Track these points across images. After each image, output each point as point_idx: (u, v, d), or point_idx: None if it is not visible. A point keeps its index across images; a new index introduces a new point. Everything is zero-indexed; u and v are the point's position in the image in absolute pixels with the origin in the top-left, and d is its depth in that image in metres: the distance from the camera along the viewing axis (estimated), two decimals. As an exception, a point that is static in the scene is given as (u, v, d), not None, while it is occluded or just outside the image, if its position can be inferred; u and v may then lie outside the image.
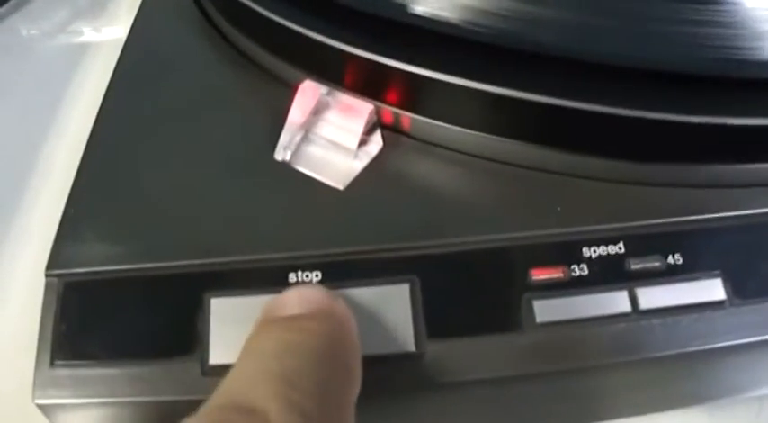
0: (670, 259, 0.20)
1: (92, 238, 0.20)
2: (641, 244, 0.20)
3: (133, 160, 0.22)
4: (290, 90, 0.22)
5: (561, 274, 0.19)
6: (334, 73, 0.22)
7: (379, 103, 0.22)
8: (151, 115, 0.23)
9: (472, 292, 0.19)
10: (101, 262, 0.20)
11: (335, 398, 0.16)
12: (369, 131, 0.21)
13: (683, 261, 0.20)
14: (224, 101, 0.23)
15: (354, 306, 0.19)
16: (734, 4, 0.22)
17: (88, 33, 0.37)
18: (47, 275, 0.20)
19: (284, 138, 0.21)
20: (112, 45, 0.28)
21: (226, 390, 0.15)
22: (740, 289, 0.20)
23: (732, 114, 0.20)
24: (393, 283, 0.19)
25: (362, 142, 0.21)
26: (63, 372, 0.19)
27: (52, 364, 0.19)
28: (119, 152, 0.22)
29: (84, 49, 0.35)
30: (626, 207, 0.21)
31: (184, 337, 0.19)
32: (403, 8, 0.21)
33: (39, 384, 0.19)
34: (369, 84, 0.21)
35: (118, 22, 0.37)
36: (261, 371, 0.15)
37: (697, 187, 0.21)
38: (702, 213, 0.21)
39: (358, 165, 0.21)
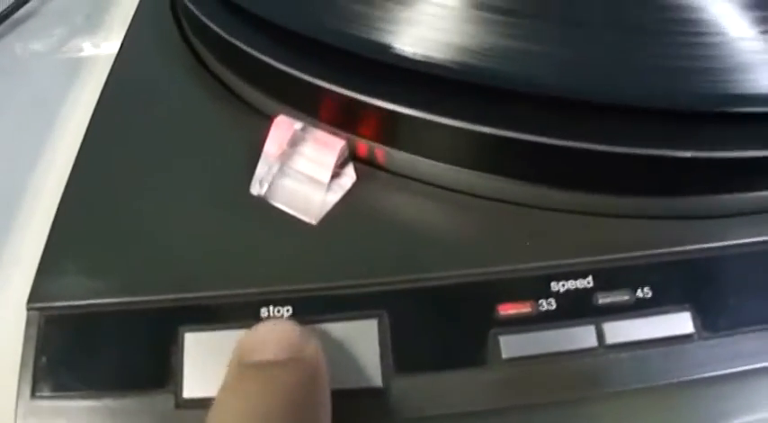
0: (639, 293, 0.20)
1: (72, 272, 0.21)
2: (610, 278, 0.21)
3: (113, 193, 0.23)
4: (269, 121, 0.23)
5: (529, 309, 0.20)
6: (310, 106, 0.22)
7: (353, 137, 0.22)
8: (132, 148, 0.24)
9: (440, 327, 0.20)
10: (80, 296, 0.21)
11: None
12: (342, 165, 0.22)
13: (653, 295, 0.21)
14: (204, 132, 0.24)
15: (324, 341, 0.19)
16: (711, 34, 0.22)
17: (86, 50, 0.38)
18: (28, 308, 0.21)
19: (259, 172, 0.22)
20: (109, 61, 0.29)
21: None
22: (709, 322, 0.20)
23: (700, 148, 0.20)
24: (362, 318, 0.20)
25: (336, 175, 0.22)
26: (43, 403, 0.20)
27: (33, 395, 0.20)
28: (100, 185, 0.23)
29: (80, 66, 0.36)
30: (596, 240, 0.21)
31: (159, 370, 0.20)
32: (377, 46, 0.21)
33: (20, 415, 0.20)
34: (343, 118, 0.22)
35: (114, 38, 0.38)
36: (240, 414, 0.16)
37: (667, 219, 0.22)
38: (672, 246, 0.21)
39: (331, 198, 0.21)
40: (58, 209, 0.22)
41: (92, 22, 0.39)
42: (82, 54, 0.37)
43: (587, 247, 0.21)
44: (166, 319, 0.20)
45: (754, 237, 0.21)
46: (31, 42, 0.38)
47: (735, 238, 0.21)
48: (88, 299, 0.20)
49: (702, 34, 0.22)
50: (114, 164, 0.23)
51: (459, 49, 0.21)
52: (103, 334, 0.20)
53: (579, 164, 0.21)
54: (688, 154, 0.20)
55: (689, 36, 0.22)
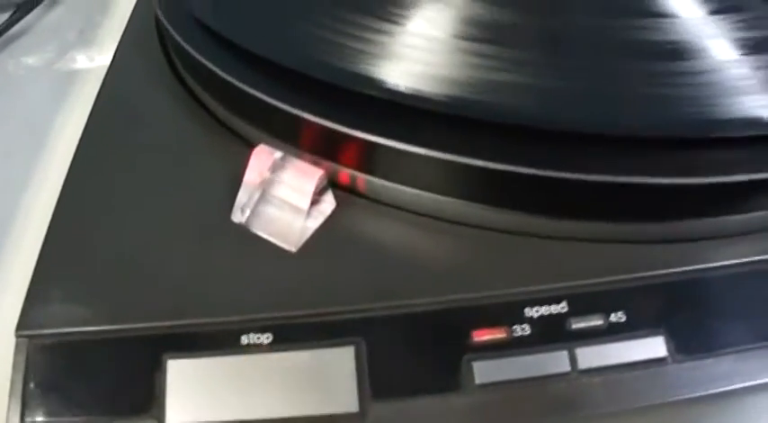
0: (612, 317, 0.21)
1: (59, 299, 0.22)
2: (584, 303, 0.21)
3: (100, 221, 0.24)
4: (252, 149, 0.23)
5: (503, 335, 0.21)
6: (290, 135, 0.23)
7: (333, 165, 0.23)
8: (119, 175, 0.25)
9: (416, 353, 0.21)
10: (67, 323, 0.21)
11: None
12: (321, 192, 0.23)
13: (626, 319, 0.21)
14: (189, 159, 0.25)
15: (302, 367, 0.20)
16: (694, 59, 0.23)
17: (80, 65, 0.39)
18: (17, 335, 0.21)
19: (240, 200, 0.23)
20: (101, 78, 0.29)
21: None
22: (683, 345, 0.21)
23: (674, 175, 0.21)
24: (339, 345, 0.21)
25: (315, 202, 0.22)
26: (32, 428, 0.21)
27: (22, 420, 0.21)
28: (86, 212, 0.24)
29: (73, 83, 0.37)
30: (571, 265, 0.22)
31: (144, 396, 0.20)
32: (356, 77, 0.22)
33: (11, 439, 0.21)
34: (323, 147, 0.23)
35: (107, 53, 0.39)
36: None
37: (641, 244, 0.22)
38: (646, 270, 0.22)
39: (311, 226, 0.22)
40: (46, 236, 0.23)
41: (85, 38, 0.40)
42: (76, 70, 0.38)
43: (562, 273, 0.22)
44: (150, 347, 0.21)
45: (727, 259, 0.22)
46: (24, 59, 0.38)
47: (708, 262, 0.22)
48: (75, 326, 0.21)
49: (685, 60, 0.23)
50: (100, 191, 0.24)
51: (437, 81, 0.22)
52: (90, 361, 0.21)
53: (555, 192, 0.21)
54: (663, 181, 0.21)
55: (671, 63, 0.23)
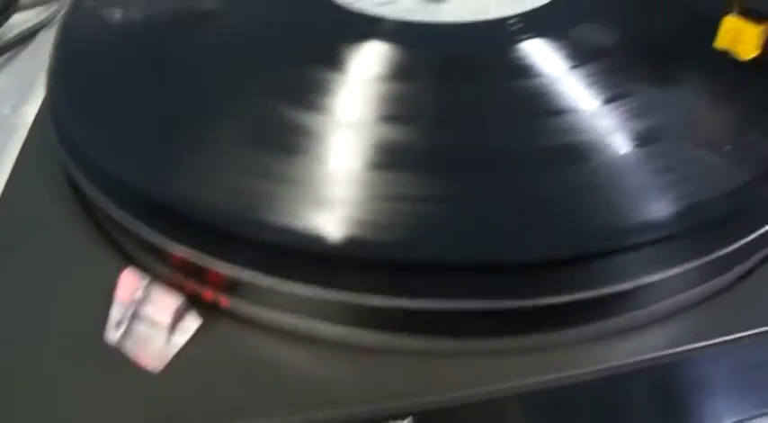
0: (459, 434, 0.23)
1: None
2: (431, 419, 0.23)
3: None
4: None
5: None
6: (157, 256, 0.25)
7: (198, 285, 0.25)
8: (10, 288, 0.27)
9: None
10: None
11: None
12: (185, 311, 0.25)
13: (475, 435, 0.23)
14: (76, 272, 0.27)
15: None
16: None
17: (15, 139, 0.41)
18: None
19: (111, 321, 0.25)
20: None
21: None
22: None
23: (516, 297, 0.22)
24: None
25: (179, 321, 0.24)
26: None
27: None
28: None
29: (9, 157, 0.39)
30: (417, 381, 0.23)
31: None
32: (216, 211, 0.24)
33: None
34: (184, 270, 0.25)
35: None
36: None
37: (491, 357, 0.24)
38: (496, 383, 0.23)
39: (176, 343, 0.24)
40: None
41: (19, 113, 0.42)
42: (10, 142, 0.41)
43: (409, 388, 0.23)
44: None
45: (583, 367, 0.23)
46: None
47: (560, 371, 0.23)
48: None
49: (573, 165, 0.24)
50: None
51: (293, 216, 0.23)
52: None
53: (396, 313, 0.23)
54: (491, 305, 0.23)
55: (563, 170, 0.24)
